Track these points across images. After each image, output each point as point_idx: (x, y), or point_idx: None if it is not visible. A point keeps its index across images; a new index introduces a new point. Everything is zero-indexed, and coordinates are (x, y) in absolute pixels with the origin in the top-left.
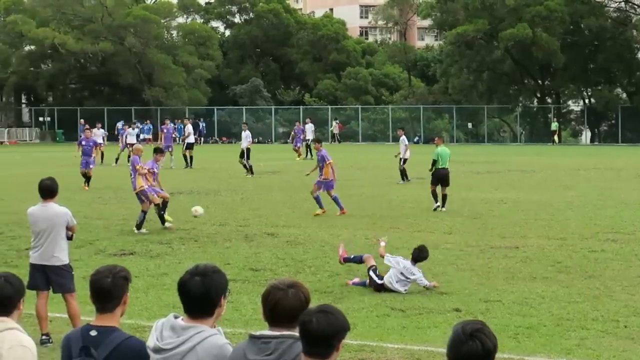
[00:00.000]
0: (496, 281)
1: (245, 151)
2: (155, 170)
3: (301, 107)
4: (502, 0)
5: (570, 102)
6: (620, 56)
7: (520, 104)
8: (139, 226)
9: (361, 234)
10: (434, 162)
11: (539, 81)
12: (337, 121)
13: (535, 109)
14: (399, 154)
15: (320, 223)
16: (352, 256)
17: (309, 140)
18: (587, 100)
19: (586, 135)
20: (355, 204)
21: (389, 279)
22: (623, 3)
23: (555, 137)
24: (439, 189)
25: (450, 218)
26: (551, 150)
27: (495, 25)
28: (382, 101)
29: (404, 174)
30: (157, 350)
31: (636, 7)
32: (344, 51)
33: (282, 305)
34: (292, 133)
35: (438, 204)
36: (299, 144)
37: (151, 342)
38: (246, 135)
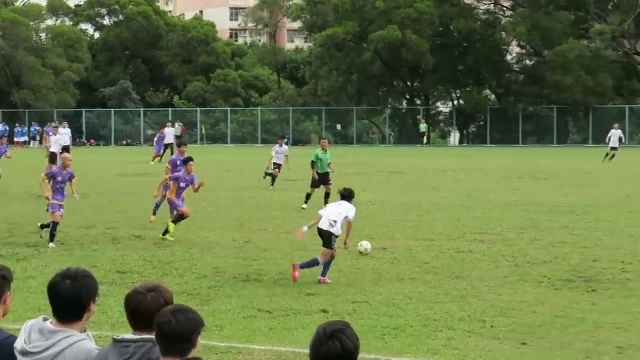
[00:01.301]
0: (364, 282)
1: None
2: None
3: (170, 109)
4: (372, 2)
5: (439, 104)
6: (489, 58)
7: (390, 106)
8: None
9: (229, 236)
10: (314, 164)
11: (409, 83)
12: (180, 124)
13: (404, 111)
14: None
15: (188, 225)
16: (306, 262)
17: (171, 143)
18: (456, 102)
19: (455, 136)
20: (224, 207)
21: (325, 222)
22: (492, 5)
23: (425, 139)
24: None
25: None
26: (420, 152)
27: (365, 28)
28: (252, 103)
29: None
30: (24, 354)
31: (505, 9)
32: (213, 53)
33: (141, 309)
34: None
35: (305, 206)
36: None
37: (19, 344)
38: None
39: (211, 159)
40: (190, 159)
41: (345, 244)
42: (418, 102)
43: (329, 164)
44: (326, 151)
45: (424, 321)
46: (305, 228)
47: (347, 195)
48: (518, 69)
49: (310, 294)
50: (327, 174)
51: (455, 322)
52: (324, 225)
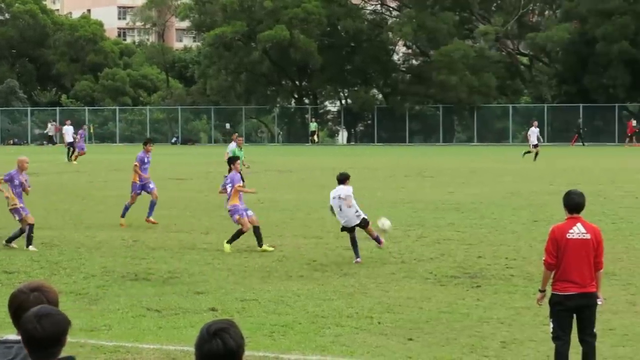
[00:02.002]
0: (253, 280)
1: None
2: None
3: (58, 108)
4: (260, 2)
5: (327, 103)
6: (376, 58)
7: (278, 105)
8: (10, 240)
9: (117, 235)
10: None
11: (297, 82)
12: (54, 123)
13: (292, 110)
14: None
15: (76, 224)
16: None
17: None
18: (343, 101)
19: (343, 135)
20: (112, 206)
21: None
22: (379, 6)
23: (316, 137)
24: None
25: (208, 218)
26: (309, 151)
27: (254, 27)
28: (140, 102)
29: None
30: None
31: (391, 9)
32: (101, 52)
33: (23, 309)
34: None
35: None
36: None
37: None
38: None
39: (99, 158)
40: (236, 158)
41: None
42: (306, 101)
43: (242, 161)
44: (241, 148)
45: (312, 318)
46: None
47: (342, 180)
48: (404, 69)
49: (198, 292)
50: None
51: (343, 319)
52: (353, 221)
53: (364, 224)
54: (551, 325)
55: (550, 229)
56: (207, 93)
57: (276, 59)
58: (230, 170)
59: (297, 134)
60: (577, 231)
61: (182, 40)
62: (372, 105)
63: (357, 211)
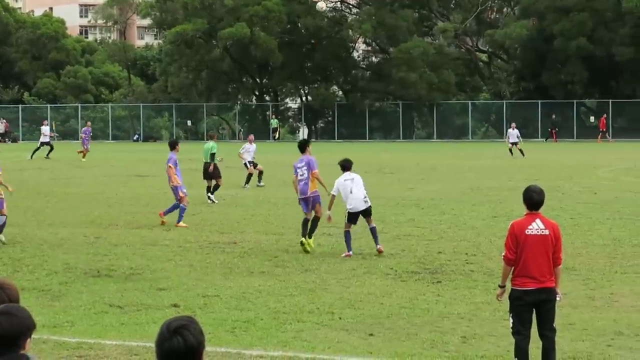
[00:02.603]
0: (214, 276)
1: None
2: None
3: (20, 106)
4: (221, 0)
5: (288, 100)
6: (336, 55)
7: (239, 102)
8: None
9: (80, 231)
10: (213, 156)
11: (257, 79)
12: (3, 120)
13: (253, 107)
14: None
15: (39, 222)
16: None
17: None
18: (304, 98)
19: (303, 132)
20: (74, 202)
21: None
22: (339, 3)
23: (277, 134)
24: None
25: (169, 215)
26: (270, 147)
27: (214, 25)
28: (102, 100)
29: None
30: None
31: (351, 7)
32: (63, 50)
33: None
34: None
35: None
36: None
37: None
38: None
39: (61, 155)
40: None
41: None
42: (267, 98)
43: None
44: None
45: (274, 314)
46: (329, 212)
47: (347, 166)
48: (364, 66)
49: (161, 288)
50: (208, 166)
51: (305, 315)
52: (360, 206)
53: (369, 211)
54: (511, 320)
55: (509, 225)
56: (168, 90)
57: (237, 57)
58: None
59: (258, 131)
60: (536, 227)
61: (144, 38)
62: (332, 102)
63: (365, 197)
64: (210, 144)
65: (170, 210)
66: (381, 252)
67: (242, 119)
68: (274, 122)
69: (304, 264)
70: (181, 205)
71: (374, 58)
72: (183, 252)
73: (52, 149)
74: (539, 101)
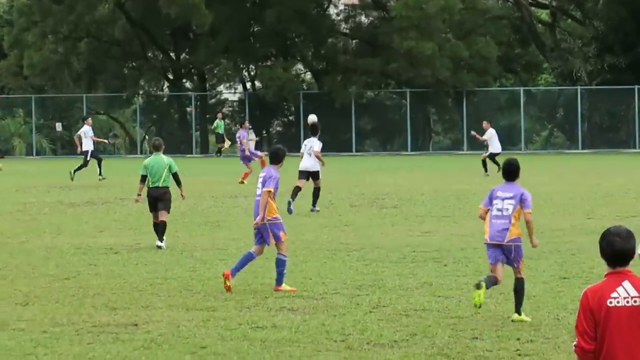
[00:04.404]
0: None
1: None
2: None
3: None
4: None
5: (222, 88)
6: (301, 12)
7: (142, 92)
8: None
9: None
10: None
11: (172, 54)
12: None
13: (165, 99)
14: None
15: None
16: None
17: None
18: (249, 84)
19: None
20: None
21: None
22: None
23: (225, 145)
24: None
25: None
26: (215, 167)
27: None
28: None
29: None
30: None
31: None
32: None
33: None
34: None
35: None
36: None
37: None
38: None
39: None
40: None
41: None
42: (188, 85)
43: None
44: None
45: None
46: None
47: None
48: (347, 31)
49: None
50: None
51: None
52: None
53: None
54: None
55: (581, 294)
56: (23, 73)
57: (137, 18)
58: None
59: (173, 141)
60: (624, 294)
61: None
62: (295, 91)
63: None
64: (164, 158)
65: (244, 265)
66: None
67: (147, 119)
68: (220, 125)
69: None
70: (281, 256)
71: (363, 17)
72: (49, 342)
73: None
74: (636, 87)
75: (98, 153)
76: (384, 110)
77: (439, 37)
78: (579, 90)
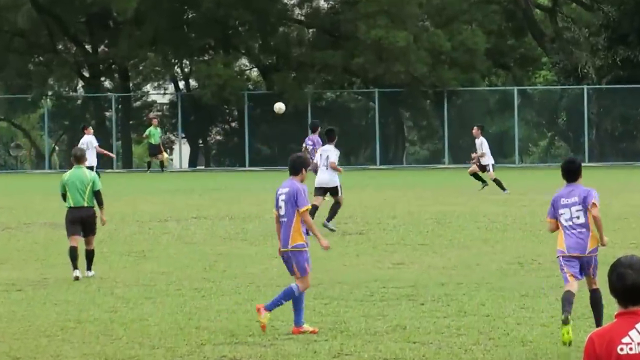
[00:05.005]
0: None
1: None
2: None
3: None
4: None
5: (149, 87)
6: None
7: (51, 93)
8: None
9: None
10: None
11: (88, 47)
12: None
13: (79, 102)
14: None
15: None
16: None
17: None
18: (182, 84)
19: (182, 152)
20: None
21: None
22: None
23: (165, 156)
24: None
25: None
26: (152, 185)
27: None
28: None
29: None
30: None
31: None
32: None
33: None
34: None
35: None
36: None
37: None
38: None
39: None
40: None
41: None
42: (107, 83)
43: None
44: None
45: None
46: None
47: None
48: (302, 17)
49: None
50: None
51: None
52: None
53: None
54: None
55: (586, 339)
56: None
57: (45, 2)
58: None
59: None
60: (638, 340)
61: None
62: (239, 91)
63: None
64: (87, 172)
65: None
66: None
67: (58, 125)
68: (155, 134)
69: None
70: (297, 289)
71: (321, 1)
72: None
73: None
74: None
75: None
76: (348, 114)
77: (414, 25)
78: (585, 90)
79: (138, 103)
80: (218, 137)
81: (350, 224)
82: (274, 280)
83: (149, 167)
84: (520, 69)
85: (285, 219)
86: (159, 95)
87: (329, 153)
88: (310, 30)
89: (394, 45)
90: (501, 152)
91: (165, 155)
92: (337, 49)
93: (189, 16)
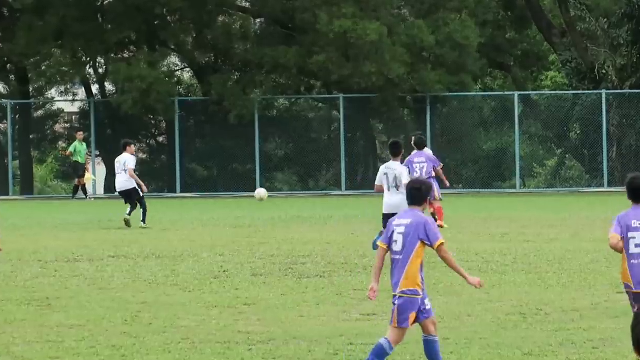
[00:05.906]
0: None
1: None
2: None
3: None
4: None
5: (53, 92)
6: None
7: None
8: None
9: None
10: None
11: None
12: None
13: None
14: None
15: None
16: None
17: None
18: (96, 88)
19: (98, 174)
20: None
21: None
22: None
23: (90, 177)
24: None
25: None
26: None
27: None
28: None
29: None
30: None
31: None
32: None
33: None
34: None
35: None
36: None
37: None
38: None
39: None
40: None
41: None
42: (1, 87)
43: None
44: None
45: None
46: None
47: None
48: (248, 4)
49: None
50: None
51: None
52: None
53: None
54: None
55: None
56: None
57: None
58: None
59: None
60: None
61: None
62: (168, 97)
63: None
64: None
65: None
66: None
67: None
68: (81, 151)
69: None
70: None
71: None
72: None
73: None
74: None
75: None
76: (305, 126)
77: (388, 14)
78: (603, 96)
79: (40, 112)
80: (142, 156)
81: (308, 264)
82: (212, 336)
83: (75, 192)
84: (522, 70)
85: (399, 257)
86: (66, 102)
87: (399, 172)
88: (258, 20)
89: (363, 39)
90: (499, 174)
91: (89, 175)
92: (292, 45)
93: (104, 2)
